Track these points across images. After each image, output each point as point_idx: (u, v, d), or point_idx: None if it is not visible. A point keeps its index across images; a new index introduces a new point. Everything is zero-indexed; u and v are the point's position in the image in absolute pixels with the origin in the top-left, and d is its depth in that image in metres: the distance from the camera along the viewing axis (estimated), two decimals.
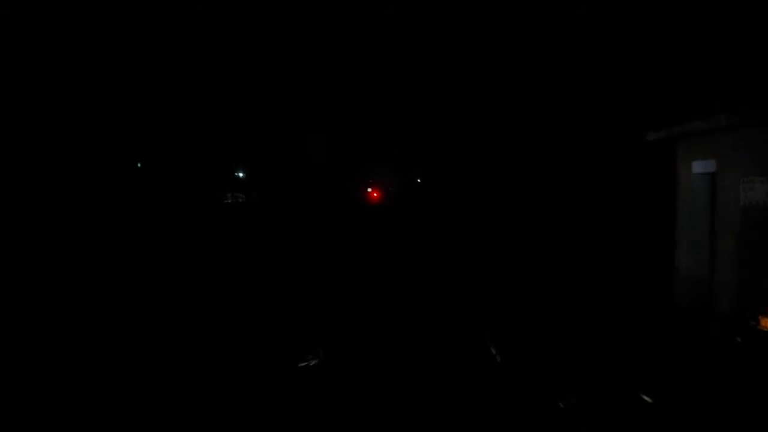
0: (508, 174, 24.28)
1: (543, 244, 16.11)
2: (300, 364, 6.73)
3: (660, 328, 8.02)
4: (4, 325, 8.67)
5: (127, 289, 11.52)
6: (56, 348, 7.45)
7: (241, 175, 53.11)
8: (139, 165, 35.65)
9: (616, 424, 5.17)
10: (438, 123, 33.11)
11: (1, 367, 6.96)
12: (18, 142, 25.47)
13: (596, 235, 15.32)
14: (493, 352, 7.03)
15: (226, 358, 6.98)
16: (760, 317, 6.63)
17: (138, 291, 11.40)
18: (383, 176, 60.11)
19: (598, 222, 15.93)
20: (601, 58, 15.38)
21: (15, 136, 25.11)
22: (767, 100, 7.41)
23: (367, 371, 6.47)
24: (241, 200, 48.82)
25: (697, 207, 8.77)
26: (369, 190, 57.70)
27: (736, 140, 7.55)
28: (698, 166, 8.60)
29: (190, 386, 6.05)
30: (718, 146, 7.94)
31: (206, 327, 8.60)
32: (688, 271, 8.86)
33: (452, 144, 32.02)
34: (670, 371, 6.21)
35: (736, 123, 7.41)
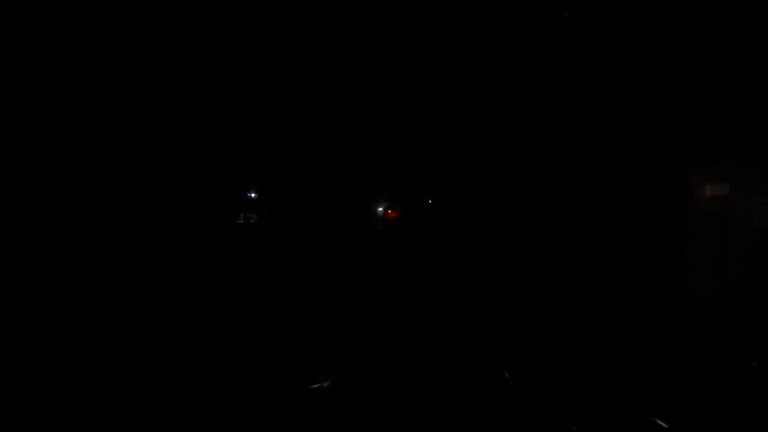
0: (515, 192, 24.15)
1: (551, 265, 15.99)
2: (312, 386, 6.72)
3: (673, 352, 7.94)
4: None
5: (136, 308, 11.57)
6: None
7: (253, 195, 53.52)
8: (144, 185, 35.93)
9: None
10: (446, 144, 33.11)
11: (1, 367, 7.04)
12: (22, 167, 25.61)
13: (606, 258, 15.19)
14: (506, 375, 7.01)
15: (237, 379, 6.98)
16: None
17: (147, 310, 11.44)
18: (394, 196, 60.33)
19: (608, 245, 15.79)
20: (610, 78, 15.38)
21: (17, 162, 25.25)
22: None
23: (380, 393, 6.45)
24: (253, 220, 48.99)
25: (709, 230, 8.72)
26: (381, 209, 57.99)
27: (750, 162, 7.54)
28: (710, 189, 8.57)
29: (200, 405, 6.06)
30: (730, 168, 7.92)
31: (216, 346, 8.62)
32: (700, 295, 8.79)
33: (461, 165, 31.98)
34: (685, 395, 6.15)
35: (749, 144, 7.40)
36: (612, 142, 15.57)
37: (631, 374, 6.57)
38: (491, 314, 9.30)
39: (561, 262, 13.19)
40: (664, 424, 5.36)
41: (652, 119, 13.13)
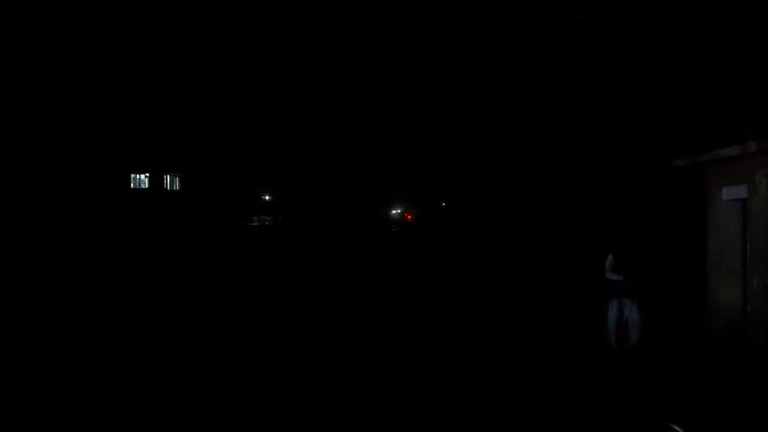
0: (530, 198, 24.11)
1: (565, 269, 15.91)
2: (322, 383, 6.73)
3: (691, 358, 7.84)
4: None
5: (154, 302, 11.71)
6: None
7: (267, 198, 53.44)
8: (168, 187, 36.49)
9: None
10: (462, 151, 33.29)
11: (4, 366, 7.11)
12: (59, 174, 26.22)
13: (623, 263, 15.03)
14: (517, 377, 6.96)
15: (243, 376, 7.00)
16: None
17: (161, 304, 11.57)
18: (409, 200, 60.46)
19: (625, 250, 15.62)
20: (628, 84, 15.31)
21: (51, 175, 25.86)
22: None
23: (390, 396, 6.43)
24: (267, 223, 49.06)
25: (728, 234, 8.61)
26: (394, 212, 58.23)
27: None
28: (729, 193, 8.45)
29: (204, 402, 6.08)
30: (749, 172, 7.81)
31: (222, 343, 8.67)
32: (719, 300, 8.67)
33: (477, 171, 32.07)
34: (702, 401, 6.06)
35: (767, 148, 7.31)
36: (628, 159, 15.46)
37: (661, 395, 6.45)
38: (514, 334, 9.10)
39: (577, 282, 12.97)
40: (679, 429, 5.28)
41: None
